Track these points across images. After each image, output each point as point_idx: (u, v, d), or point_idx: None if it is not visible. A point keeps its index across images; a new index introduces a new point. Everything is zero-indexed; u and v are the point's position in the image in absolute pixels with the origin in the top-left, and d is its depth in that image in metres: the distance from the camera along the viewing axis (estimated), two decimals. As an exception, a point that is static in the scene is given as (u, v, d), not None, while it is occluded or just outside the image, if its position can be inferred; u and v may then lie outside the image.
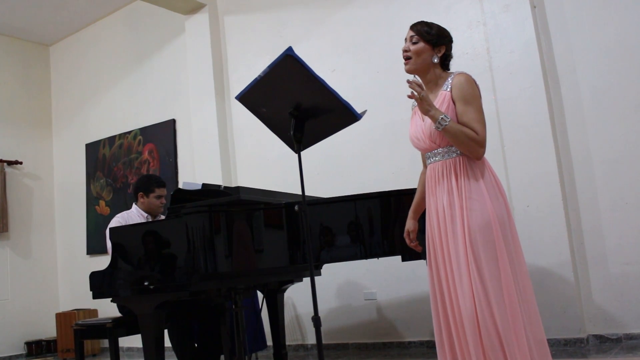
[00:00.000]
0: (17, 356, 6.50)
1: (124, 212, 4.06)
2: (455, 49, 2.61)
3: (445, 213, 2.32)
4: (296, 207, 2.50)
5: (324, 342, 3.98)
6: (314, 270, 2.46)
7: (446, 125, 2.26)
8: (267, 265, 3.22)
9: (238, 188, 3.27)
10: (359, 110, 2.52)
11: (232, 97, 5.66)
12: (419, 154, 4.52)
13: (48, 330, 6.72)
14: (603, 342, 3.88)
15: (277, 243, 3.19)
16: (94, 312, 6.37)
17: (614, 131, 3.97)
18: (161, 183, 4.05)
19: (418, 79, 2.37)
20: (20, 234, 6.87)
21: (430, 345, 4.47)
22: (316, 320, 2.40)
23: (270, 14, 5.62)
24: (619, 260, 3.89)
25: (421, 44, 2.43)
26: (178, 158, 6.17)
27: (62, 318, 6.30)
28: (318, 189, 4.46)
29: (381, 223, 3.23)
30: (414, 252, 3.19)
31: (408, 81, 2.27)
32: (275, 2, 5.60)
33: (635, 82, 3.91)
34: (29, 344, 6.55)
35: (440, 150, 2.39)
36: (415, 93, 2.25)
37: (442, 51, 2.45)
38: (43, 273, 7.00)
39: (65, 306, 6.87)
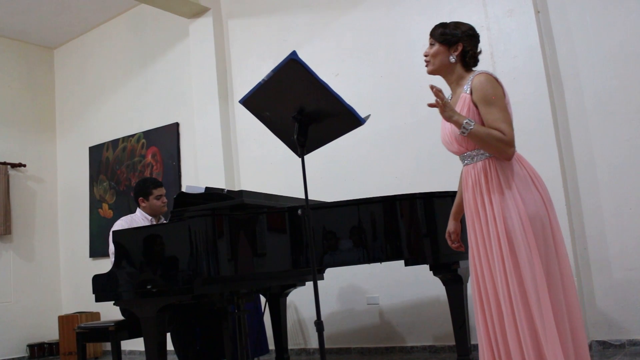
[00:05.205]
0: (19, 359, 6.50)
1: (128, 215, 4.08)
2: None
3: (479, 216, 2.29)
4: (299, 211, 2.50)
5: (326, 346, 3.96)
6: (316, 275, 2.45)
7: (471, 129, 2.19)
8: (270, 269, 3.22)
9: (241, 192, 3.27)
10: (362, 115, 2.53)
11: (236, 100, 5.67)
12: (421, 158, 4.62)
13: (50, 332, 6.72)
14: (606, 347, 3.86)
15: (280, 247, 3.19)
16: (96, 315, 6.38)
17: (617, 136, 3.96)
18: (157, 183, 4.11)
19: (439, 89, 2.24)
20: (24, 236, 6.88)
21: (432, 350, 4.46)
22: (319, 324, 2.40)
23: (274, 18, 5.63)
24: (623, 266, 3.88)
25: (436, 46, 2.43)
26: (181, 161, 6.17)
27: (65, 321, 6.30)
28: (321, 193, 4.46)
29: (384, 227, 3.22)
30: (416, 257, 3.22)
31: (431, 86, 2.20)
32: (279, 6, 5.61)
33: (639, 87, 3.91)
34: (31, 347, 6.54)
35: (469, 153, 2.34)
36: (439, 100, 2.19)
37: (459, 49, 2.40)
38: (46, 276, 7.00)
39: (68, 309, 6.88)
